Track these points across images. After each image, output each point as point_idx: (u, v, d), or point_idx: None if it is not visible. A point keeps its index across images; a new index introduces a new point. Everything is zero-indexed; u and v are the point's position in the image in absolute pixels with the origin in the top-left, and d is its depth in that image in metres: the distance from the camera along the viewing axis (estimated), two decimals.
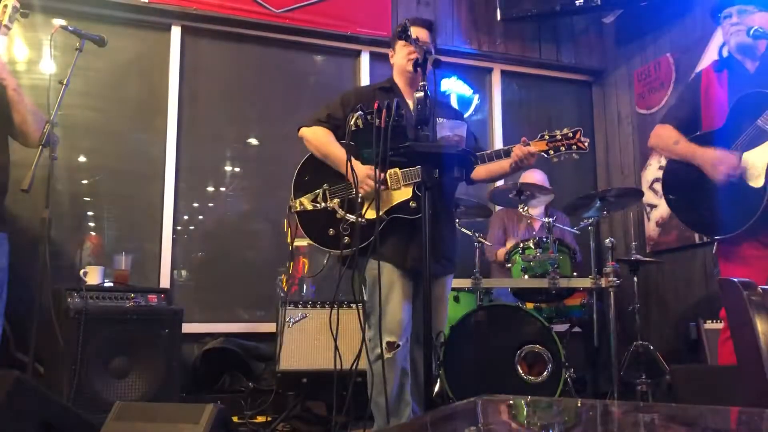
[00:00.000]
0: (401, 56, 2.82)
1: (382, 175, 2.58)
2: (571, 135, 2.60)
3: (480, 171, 2.78)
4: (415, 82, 2.79)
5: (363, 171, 2.53)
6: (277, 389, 3.52)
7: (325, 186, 2.69)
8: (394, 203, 2.60)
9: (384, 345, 2.49)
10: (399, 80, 2.88)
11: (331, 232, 2.63)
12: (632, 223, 4.77)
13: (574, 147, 2.59)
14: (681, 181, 2.85)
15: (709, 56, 4.26)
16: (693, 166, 2.78)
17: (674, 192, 2.91)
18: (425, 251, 2.19)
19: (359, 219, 2.55)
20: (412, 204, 2.57)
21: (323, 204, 2.67)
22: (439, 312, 2.65)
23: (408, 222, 2.58)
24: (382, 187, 2.58)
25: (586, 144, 2.61)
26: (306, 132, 2.77)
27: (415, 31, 2.72)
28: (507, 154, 2.61)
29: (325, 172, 2.70)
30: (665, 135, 2.91)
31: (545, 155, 2.60)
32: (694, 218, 2.86)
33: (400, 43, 2.82)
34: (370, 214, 2.57)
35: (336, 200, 2.66)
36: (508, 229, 4.26)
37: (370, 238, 2.47)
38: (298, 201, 2.71)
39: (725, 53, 2.88)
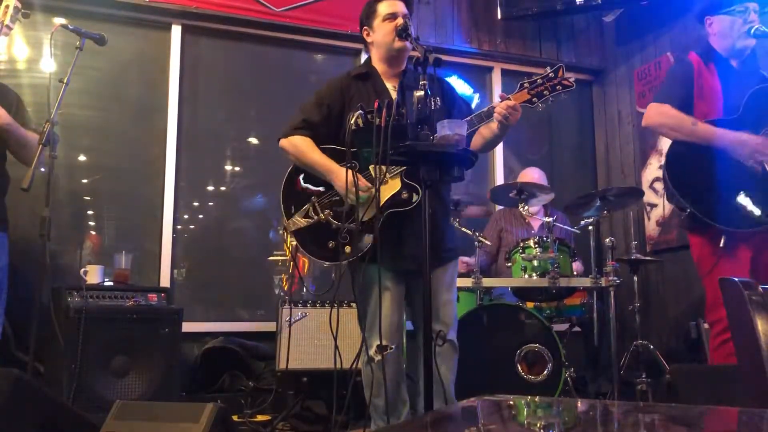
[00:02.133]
0: (383, 33, 2.61)
1: (364, 180, 2.45)
2: (552, 75, 2.40)
3: (476, 140, 2.63)
4: (400, 60, 2.66)
5: (344, 182, 2.34)
6: (277, 388, 3.52)
7: (313, 199, 2.58)
8: (386, 199, 2.45)
9: (376, 348, 2.45)
10: (379, 64, 2.69)
11: (331, 244, 2.49)
12: (632, 223, 4.77)
13: (559, 87, 2.39)
14: (690, 164, 2.67)
15: None
16: (706, 150, 2.61)
17: (681, 175, 2.69)
18: (425, 251, 2.11)
19: (357, 227, 2.42)
20: (404, 195, 2.44)
21: (315, 217, 2.55)
22: (444, 299, 2.56)
23: (401, 217, 2.44)
24: (372, 188, 2.41)
25: (572, 80, 2.41)
26: (284, 143, 2.62)
27: (392, 5, 2.59)
28: (489, 115, 2.45)
29: (308, 184, 2.60)
30: (674, 114, 2.69)
31: (529, 105, 2.43)
32: (702, 204, 2.65)
33: (377, 21, 2.64)
34: (366, 218, 2.46)
35: (327, 211, 2.54)
36: (505, 230, 4.24)
37: (371, 243, 2.40)
38: (291, 221, 2.57)
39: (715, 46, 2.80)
